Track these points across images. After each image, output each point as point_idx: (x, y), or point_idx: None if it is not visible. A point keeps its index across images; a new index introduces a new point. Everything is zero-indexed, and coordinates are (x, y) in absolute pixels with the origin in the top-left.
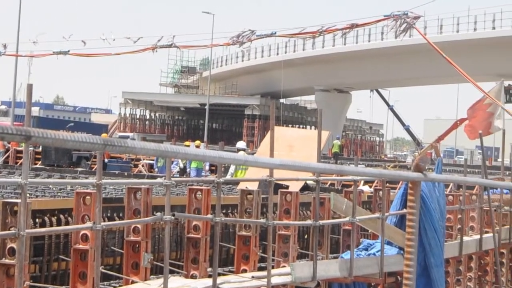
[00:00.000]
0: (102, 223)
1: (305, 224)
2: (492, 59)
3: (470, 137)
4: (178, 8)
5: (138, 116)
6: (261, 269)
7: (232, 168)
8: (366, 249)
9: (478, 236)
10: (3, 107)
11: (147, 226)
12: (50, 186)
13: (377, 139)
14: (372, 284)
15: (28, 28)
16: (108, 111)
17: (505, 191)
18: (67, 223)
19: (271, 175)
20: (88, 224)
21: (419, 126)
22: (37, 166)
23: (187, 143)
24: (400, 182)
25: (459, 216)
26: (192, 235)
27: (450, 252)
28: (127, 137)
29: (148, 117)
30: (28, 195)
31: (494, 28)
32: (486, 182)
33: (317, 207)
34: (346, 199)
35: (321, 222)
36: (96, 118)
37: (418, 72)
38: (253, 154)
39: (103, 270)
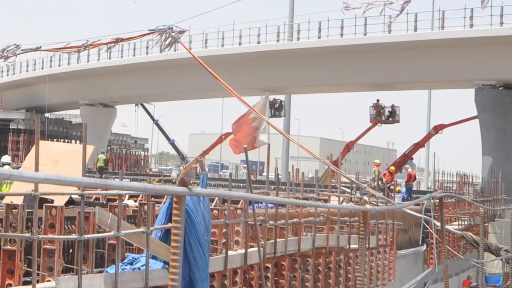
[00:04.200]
0: None
1: (70, 239)
2: (258, 73)
3: (235, 152)
4: None
5: None
6: (26, 283)
7: None
8: (131, 264)
9: (243, 250)
10: None
11: None
12: None
13: (142, 153)
14: None
15: None
16: None
17: (270, 205)
18: None
19: (36, 189)
20: None
21: (184, 140)
22: None
23: None
24: (165, 196)
25: (224, 230)
26: None
27: (215, 267)
28: None
29: None
30: None
31: (259, 42)
32: (251, 197)
33: (82, 221)
34: (111, 214)
35: (86, 236)
36: None
37: (184, 87)
38: (18, 168)
39: None
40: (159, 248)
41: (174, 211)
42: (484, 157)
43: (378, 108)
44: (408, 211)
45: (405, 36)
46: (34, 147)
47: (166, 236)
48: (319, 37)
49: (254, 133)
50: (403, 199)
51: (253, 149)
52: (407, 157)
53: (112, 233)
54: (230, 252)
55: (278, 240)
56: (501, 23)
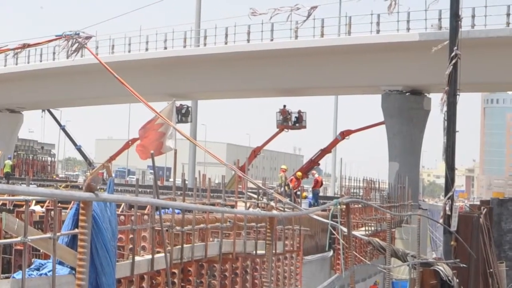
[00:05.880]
0: None
1: None
2: (164, 79)
3: (142, 157)
4: None
5: None
6: None
7: None
8: (38, 269)
9: (150, 256)
10: None
11: None
12: None
13: (49, 159)
14: None
15: None
16: None
17: (176, 211)
18: None
19: None
20: None
21: (91, 146)
22: None
23: None
24: (72, 202)
25: (131, 236)
26: None
27: (122, 272)
28: None
29: None
30: None
31: (166, 48)
32: (158, 202)
33: None
34: (18, 219)
35: None
36: None
37: (91, 92)
38: None
39: None
40: (66, 253)
41: (80, 217)
42: (391, 163)
43: (284, 113)
44: (315, 217)
45: (311, 41)
46: None
47: (72, 242)
48: (226, 43)
49: (161, 139)
50: (310, 205)
51: (160, 154)
52: (313, 163)
53: (19, 238)
54: (137, 258)
55: (185, 245)
56: (408, 29)
